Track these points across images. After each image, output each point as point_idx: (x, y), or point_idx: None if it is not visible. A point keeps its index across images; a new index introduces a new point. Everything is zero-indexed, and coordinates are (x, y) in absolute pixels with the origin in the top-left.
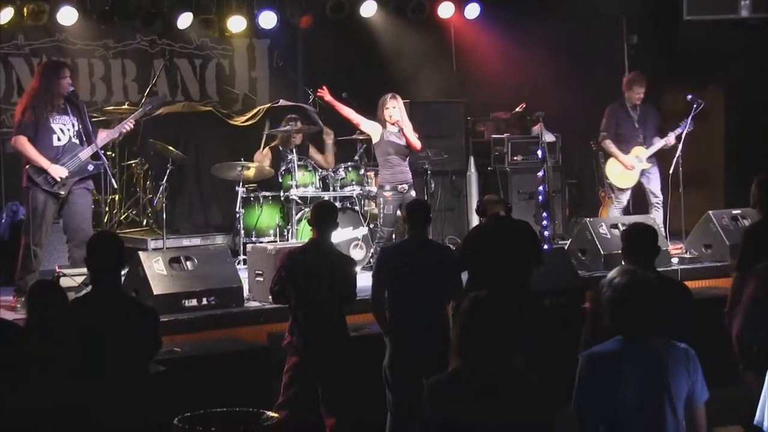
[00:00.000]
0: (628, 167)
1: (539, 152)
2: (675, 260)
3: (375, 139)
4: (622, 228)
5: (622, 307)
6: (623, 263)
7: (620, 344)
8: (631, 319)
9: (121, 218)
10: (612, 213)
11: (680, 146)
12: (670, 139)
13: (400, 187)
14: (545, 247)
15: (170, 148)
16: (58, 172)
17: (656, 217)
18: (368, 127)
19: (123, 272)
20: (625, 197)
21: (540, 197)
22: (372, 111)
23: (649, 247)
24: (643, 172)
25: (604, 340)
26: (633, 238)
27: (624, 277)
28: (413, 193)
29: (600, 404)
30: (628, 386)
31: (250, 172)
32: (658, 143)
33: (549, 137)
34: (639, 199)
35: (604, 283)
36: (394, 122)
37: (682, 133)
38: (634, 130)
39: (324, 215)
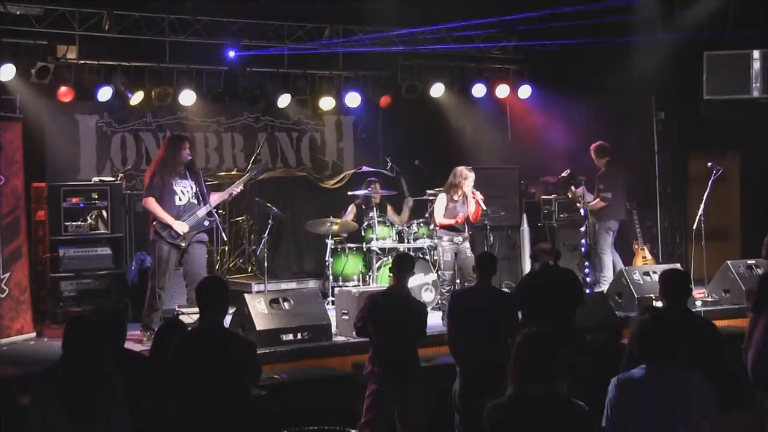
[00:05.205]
0: None
1: (582, 210)
2: (699, 303)
3: (443, 204)
4: (653, 275)
5: (645, 338)
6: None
7: (644, 371)
8: (652, 349)
9: (230, 266)
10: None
11: (702, 206)
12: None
13: (455, 238)
14: (587, 291)
15: (271, 206)
16: (181, 227)
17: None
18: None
19: (231, 311)
20: None
21: (583, 249)
22: (440, 175)
23: (682, 287)
24: None
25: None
26: (669, 279)
27: (646, 314)
28: (467, 245)
29: (627, 422)
30: (650, 407)
31: (338, 227)
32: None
33: (590, 198)
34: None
35: (633, 320)
36: (472, 194)
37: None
38: None
39: (404, 265)
